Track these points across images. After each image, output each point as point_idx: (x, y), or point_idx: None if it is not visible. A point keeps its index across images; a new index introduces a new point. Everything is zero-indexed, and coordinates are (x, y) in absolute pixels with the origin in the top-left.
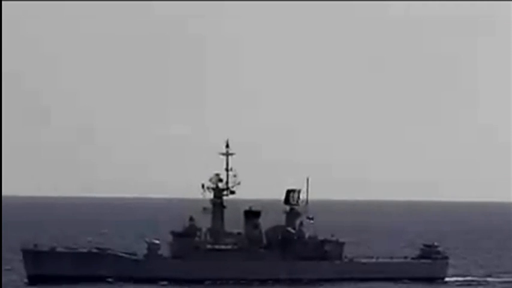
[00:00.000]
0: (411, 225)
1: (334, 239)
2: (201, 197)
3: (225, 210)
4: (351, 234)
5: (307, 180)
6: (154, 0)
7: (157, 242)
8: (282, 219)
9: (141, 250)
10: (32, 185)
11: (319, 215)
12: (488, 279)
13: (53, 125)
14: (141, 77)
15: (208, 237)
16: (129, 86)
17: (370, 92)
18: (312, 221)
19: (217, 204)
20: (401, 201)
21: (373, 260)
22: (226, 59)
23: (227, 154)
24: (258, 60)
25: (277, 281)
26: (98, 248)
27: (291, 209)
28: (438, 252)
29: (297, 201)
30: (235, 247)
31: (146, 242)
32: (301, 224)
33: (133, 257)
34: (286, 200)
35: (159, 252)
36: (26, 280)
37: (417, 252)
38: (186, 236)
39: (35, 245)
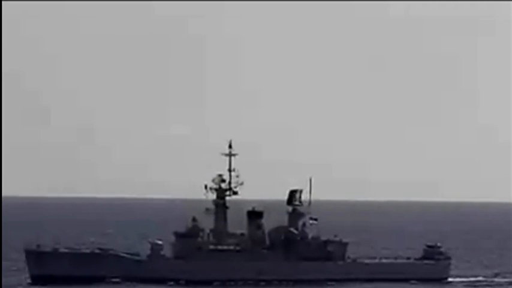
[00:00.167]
0: (411, 225)
1: (337, 239)
2: (203, 197)
3: (228, 211)
4: (352, 234)
5: (310, 180)
6: (154, 0)
7: (160, 242)
8: (284, 220)
9: (144, 250)
10: (32, 185)
11: (320, 215)
12: (491, 279)
13: (53, 125)
14: (141, 77)
15: (211, 238)
16: (129, 86)
17: (370, 92)
18: (315, 222)
19: (220, 204)
20: (402, 201)
21: (376, 261)
22: (226, 59)
23: (230, 155)
24: (258, 60)
25: (280, 281)
26: (100, 249)
27: (294, 210)
28: (441, 253)
29: (300, 202)
30: (238, 248)
31: (149, 243)
32: (304, 224)
33: (136, 258)
34: (289, 201)
35: (162, 252)
36: (29, 280)
37: (420, 253)
38: (188, 236)
39: (38, 246)
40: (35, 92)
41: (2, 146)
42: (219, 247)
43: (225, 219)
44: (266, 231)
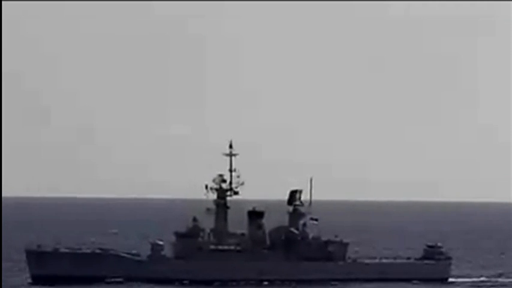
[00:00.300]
0: (412, 225)
1: (337, 239)
2: (203, 197)
3: (229, 211)
4: (353, 234)
5: (311, 180)
6: (154, 0)
7: (160, 242)
8: (285, 220)
9: (145, 251)
10: (32, 185)
11: (320, 215)
12: (492, 279)
13: (53, 125)
14: (141, 77)
15: (211, 238)
16: (129, 86)
17: (370, 92)
18: (316, 222)
19: (221, 204)
20: (402, 201)
21: (377, 261)
22: (226, 59)
23: (231, 155)
24: (258, 60)
25: (280, 281)
26: (101, 249)
27: (295, 210)
28: (441, 253)
29: (300, 202)
30: (239, 248)
31: (150, 243)
32: (304, 224)
33: (137, 258)
34: (290, 201)
35: (163, 252)
36: (29, 280)
37: (420, 253)
38: (189, 236)
39: (39, 246)
40: (35, 92)
41: (2, 146)
42: (220, 247)
43: (226, 219)
44: (267, 231)
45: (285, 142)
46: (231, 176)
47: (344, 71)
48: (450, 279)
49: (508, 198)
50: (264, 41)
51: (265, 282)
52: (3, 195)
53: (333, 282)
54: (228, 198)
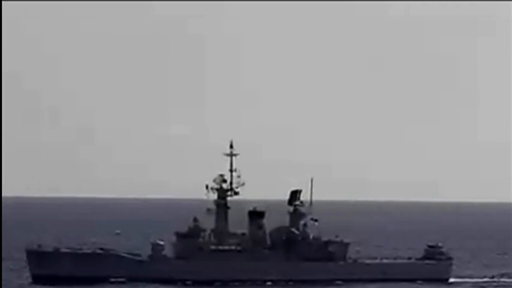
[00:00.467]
0: (412, 225)
1: (338, 239)
2: (203, 197)
3: (229, 211)
4: (353, 234)
5: (311, 180)
6: (154, 0)
7: (161, 242)
8: (286, 220)
9: (146, 251)
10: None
11: (321, 215)
12: (493, 280)
13: (53, 125)
14: (141, 77)
15: (212, 238)
16: (129, 86)
17: (370, 92)
18: (316, 223)
19: (221, 205)
20: (402, 201)
21: (377, 261)
22: (226, 59)
23: (231, 155)
24: (258, 60)
25: (281, 282)
26: (101, 249)
27: (295, 210)
28: (442, 253)
29: (301, 202)
30: (239, 248)
31: (150, 243)
32: (305, 224)
33: (137, 258)
34: (290, 201)
35: (163, 252)
36: (30, 280)
37: (421, 253)
38: (190, 236)
39: (39, 246)
40: (35, 92)
41: (2, 146)
42: (220, 247)
43: (226, 219)
44: (267, 231)
45: (285, 142)
46: (231, 176)
47: (344, 71)
48: (451, 280)
49: (508, 199)
50: (264, 41)
51: (266, 283)
52: (3, 195)
53: (330, 283)
54: (229, 198)
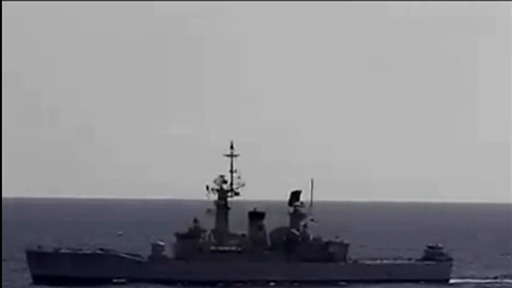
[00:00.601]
0: (412, 226)
1: (338, 240)
2: (204, 198)
3: (229, 212)
4: (353, 235)
5: (312, 181)
6: (154, 0)
7: (161, 243)
8: (286, 221)
9: (147, 251)
10: (32, 186)
11: (321, 216)
12: (495, 280)
13: (53, 125)
14: (141, 77)
15: (212, 239)
16: (129, 86)
17: (370, 92)
18: (316, 224)
19: (222, 205)
20: (402, 202)
21: (378, 262)
22: (226, 59)
23: (232, 155)
24: (258, 60)
25: (281, 282)
26: (101, 249)
27: (295, 211)
28: (442, 254)
29: (301, 203)
30: (240, 249)
31: (150, 243)
32: (305, 225)
33: (137, 259)
34: (291, 202)
35: (163, 253)
36: (30, 280)
37: (421, 254)
38: (190, 237)
39: (39, 246)
40: (35, 92)
41: (2, 146)
42: (221, 248)
43: (227, 220)
44: (267, 232)
45: (285, 142)
46: (231, 176)
47: (344, 71)
48: (451, 281)
49: (508, 199)
50: (264, 41)
51: (267, 284)
52: (3, 195)
53: (330, 284)
54: (229, 199)
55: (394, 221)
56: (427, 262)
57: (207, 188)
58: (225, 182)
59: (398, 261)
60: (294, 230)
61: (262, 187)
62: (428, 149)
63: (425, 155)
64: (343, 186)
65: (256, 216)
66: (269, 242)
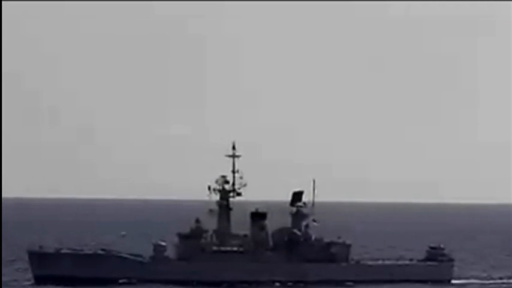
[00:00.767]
0: (412, 227)
1: (340, 241)
2: (206, 198)
3: (231, 212)
4: (355, 235)
5: (314, 182)
6: (154, 0)
7: (163, 243)
8: (288, 221)
9: (148, 252)
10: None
11: (323, 216)
12: (497, 281)
13: (53, 125)
14: (141, 77)
15: (214, 239)
16: (129, 86)
17: (370, 92)
18: (317, 224)
19: (224, 206)
20: (401, 203)
21: (380, 262)
22: (226, 59)
23: (233, 156)
24: (258, 60)
25: (283, 283)
26: (103, 250)
27: (297, 211)
28: (444, 255)
29: (303, 203)
30: (241, 249)
31: (152, 244)
32: (307, 225)
33: (139, 259)
34: (292, 202)
35: (165, 253)
36: (32, 281)
37: (423, 254)
38: (192, 237)
39: (41, 247)
40: (35, 92)
41: (2, 146)
42: (223, 248)
43: (229, 220)
44: (269, 232)
45: (285, 142)
46: (233, 177)
47: (344, 71)
48: (453, 281)
49: (508, 199)
50: (264, 41)
51: (268, 284)
52: (3, 195)
53: (332, 284)
54: (231, 199)
55: (394, 222)
56: (429, 263)
57: (209, 188)
58: (227, 182)
59: (400, 262)
60: (295, 231)
61: (263, 187)
62: (428, 149)
63: (425, 155)
64: (343, 186)
65: (258, 216)
66: (271, 243)
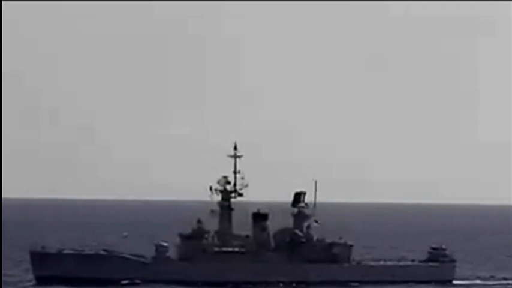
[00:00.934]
0: (413, 227)
1: (342, 241)
2: (207, 199)
3: (233, 213)
4: (356, 236)
5: (315, 183)
6: (154, 0)
7: (165, 244)
8: (289, 222)
9: (150, 252)
10: (32, 186)
11: (324, 217)
12: (496, 282)
13: (53, 125)
14: (141, 77)
15: (216, 240)
16: (129, 86)
17: (370, 92)
18: (318, 225)
19: (225, 206)
20: (401, 203)
21: (381, 263)
22: (226, 59)
23: (235, 156)
24: (258, 60)
25: (285, 283)
26: (105, 250)
27: (299, 212)
28: (446, 255)
29: (305, 204)
30: (243, 250)
31: (154, 244)
32: (309, 226)
33: (141, 259)
34: (294, 203)
35: (167, 254)
36: (34, 281)
37: (425, 255)
38: (194, 238)
39: (43, 247)
40: (35, 92)
41: (2, 146)
42: (224, 249)
43: (230, 221)
44: (271, 233)
45: (285, 142)
46: (235, 177)
47: (344, 71)
48: (454, 282)
49: (508, 200)
50: (264, 41)
51: (270, 284)
52: (3, 196)
53: (334, 285)
54: (232, 200)
55: (394, 222)
56: (430, 263)
57: (211, 188)
58: (228, 182)
59: (402, 263)
60: (297, 231)
61: (264, 188)
62: (428, 149)
63: (425, 155)
64: (343, 186)
65: (259, 217)
66: (273, 243)
